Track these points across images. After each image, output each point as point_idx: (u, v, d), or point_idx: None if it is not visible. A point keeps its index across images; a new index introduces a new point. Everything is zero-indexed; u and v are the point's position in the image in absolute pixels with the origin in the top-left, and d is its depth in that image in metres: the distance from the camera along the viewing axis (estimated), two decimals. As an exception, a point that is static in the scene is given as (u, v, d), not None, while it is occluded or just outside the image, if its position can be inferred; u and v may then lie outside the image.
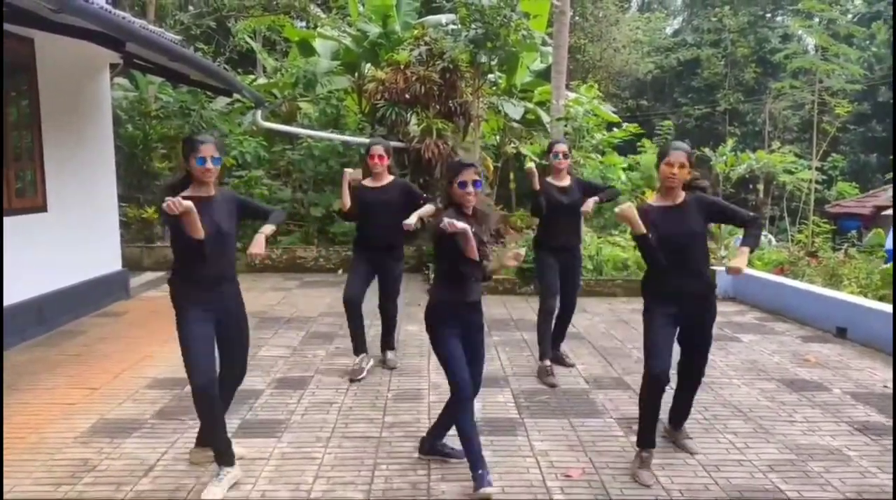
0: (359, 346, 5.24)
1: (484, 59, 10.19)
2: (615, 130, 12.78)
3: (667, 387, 3.60)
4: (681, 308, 3.61)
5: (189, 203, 3.07)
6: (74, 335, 6.29)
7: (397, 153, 10.93)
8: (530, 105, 13.53)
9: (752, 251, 3.64)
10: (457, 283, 3.44)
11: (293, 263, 10.43)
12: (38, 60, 6.39)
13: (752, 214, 3.74)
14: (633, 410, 4.46)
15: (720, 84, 29.12)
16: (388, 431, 4.09)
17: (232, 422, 4.14)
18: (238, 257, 3.63)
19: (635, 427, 4.03)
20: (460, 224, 3.15)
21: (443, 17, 12.29)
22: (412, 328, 6.68)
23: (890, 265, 9.56)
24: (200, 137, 3.38)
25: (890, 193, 18.59)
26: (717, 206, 3.69)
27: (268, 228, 3.60)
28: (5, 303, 5.68)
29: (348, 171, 5.05)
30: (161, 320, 6.68)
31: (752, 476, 3.55)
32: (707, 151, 14.88)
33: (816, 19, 15.74)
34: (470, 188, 3.38)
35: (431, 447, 3.70)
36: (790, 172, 15.65)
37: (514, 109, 12.86)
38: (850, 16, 24.54)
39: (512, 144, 12.69)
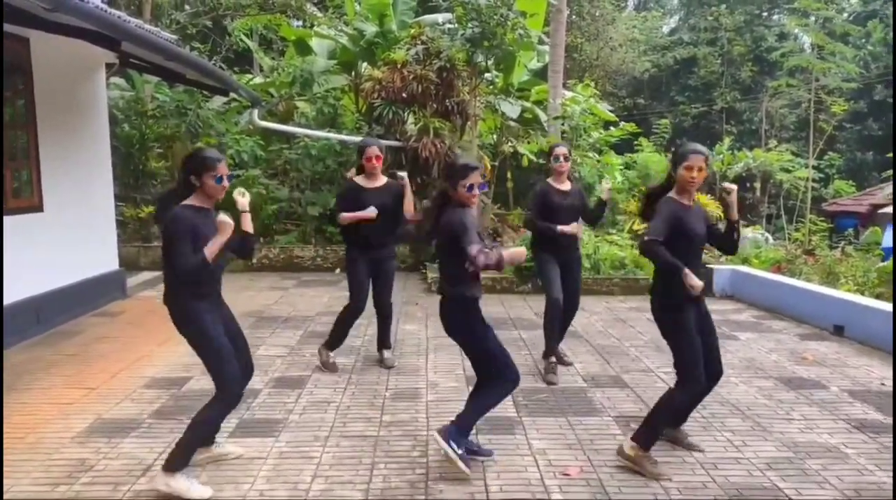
0: (337, 344, 5.35)
1: (481, 58, 10.19)
2: (612, 128, 12.79)
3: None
4: (695, 305, 3.67)
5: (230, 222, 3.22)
6: (72, 335, 6.27)
7: (394, 152, 10.99)
8: (527, 104, 13.53)
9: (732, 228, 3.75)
10: (476, 279, 3.56)
11: (290, 262, 10.42)
12: (33, 60, 6.36)
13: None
14: (631, 408, 4.49)
15: (717, 83, 29.15)
16: (387, 430, 4.09)
17: (230, 421, 4.12)
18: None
19: (633, 426, 4.04)
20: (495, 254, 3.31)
21: (439, 17, 12.27)
22: (410, 327, 6.68)
23: (887, 263, 9.58)
24: (215, 155, 3.36)
25: (886, 191, 18.62)
26: (709, 219, 3.83)
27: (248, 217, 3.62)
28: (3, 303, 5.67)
29: (371, 211, 5.02)
30: (158, 320, 6.66)
31: (750, 474, 3.55)
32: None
33: (812, 18, 15.80)
34: (475, 190, 3.48)
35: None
36: (787, 171, 15.69)
37: (512, 108, 12.86)
38: (845, 14, 24.60)
39: (509, 143, 12.69)
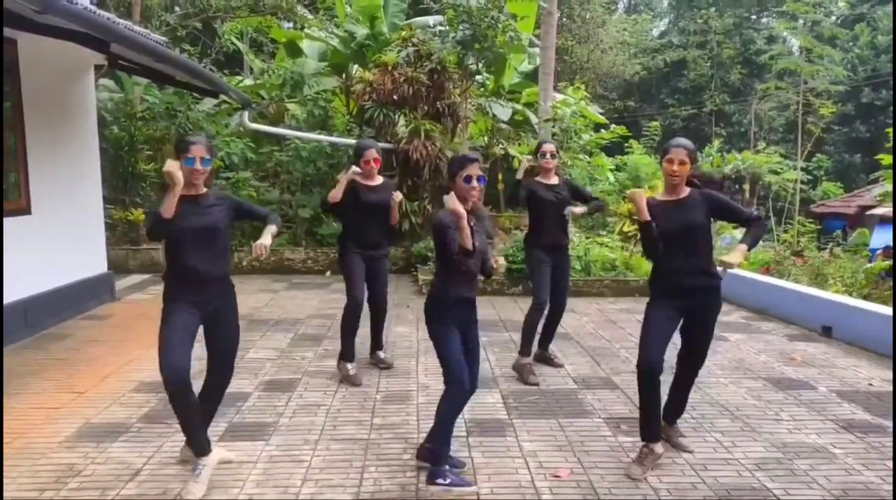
0: (351, 352, 5.18)
1: (472, 60, 10.21)
2: (603, 131, 12.83)
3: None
4: (683, 303, 3.66)
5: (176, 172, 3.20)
6: (60, 338, 6.23)
7: (385, 154, 10.96)
8: (518, 106, 13.56)
9: (749, 249, 3.64)
10: (456, 276, 3.44)
11: (281, 264, 10.39)
12: (21, 61, 6.32)
13: (755, 213, 3.78)
14: (622, 409, 4.50)
15: (706, 85, 29.34)
16: (377, 433, 4.08)
17: (219, 425, 4.11)
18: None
19: (624, 427, 4.06)
20: (456, 204, 3.16)
21: (430, 19, 12.28)
22: (401, 330, 6.67)
23: (874, 264, 9.65)
24: (191, 138, 3.41)
25: (874, 192, 18.76)
26: (720, 202, 3.70)
27: (273, 228, 3.67)
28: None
29: (356, 170, 5.02)
30: (147, 323, 6.60)
31: (739, 475, 3.57)
32: (694, 151, 14.95)
33: (801, 21, 15.89)
34: (475, 183, 3.39)
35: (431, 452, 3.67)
36: (776, 173, 15.79)
37: (502, 111, 12.88)
38: (833, 18, 24.77)
39: (500, 146, 12.71)
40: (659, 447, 3.65)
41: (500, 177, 13.32)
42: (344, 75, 13.04)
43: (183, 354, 3.28)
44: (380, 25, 12.42)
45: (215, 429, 4.07)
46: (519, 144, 13.05)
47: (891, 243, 13.38)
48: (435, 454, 3.45)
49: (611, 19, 25.80)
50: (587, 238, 10.10)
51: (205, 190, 3.48)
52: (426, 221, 10.50)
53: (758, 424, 4.29)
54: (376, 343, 5.52)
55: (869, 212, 17.93)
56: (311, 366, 5.49)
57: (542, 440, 4.01)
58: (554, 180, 5.31)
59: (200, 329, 3.47)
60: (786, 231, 13.61)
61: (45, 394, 4.71)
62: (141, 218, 10.39)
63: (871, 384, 5.13)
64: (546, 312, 5.34)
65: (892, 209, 15.03)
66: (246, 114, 10.60)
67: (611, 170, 13.95)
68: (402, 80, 10.44)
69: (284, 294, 8.70)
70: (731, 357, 5.83)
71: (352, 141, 10.88)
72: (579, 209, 5.23)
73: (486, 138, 13.08)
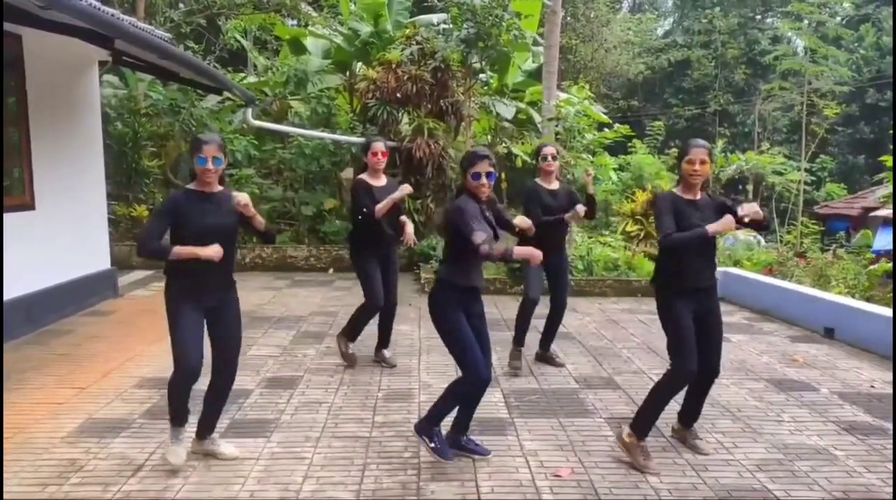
0: (355, 336, 5.37)
1: (475, 58, 10.21)
2: (606, 130, 12.82)
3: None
4: (698, 303, 3.70)
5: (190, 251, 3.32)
6: (63, 334, 6.24)
7: (388, 153, 10.96)
8: (522, 105, 13.55)
9: (761, 224, 3.68)
10: (465, 265, 3.51)
11: (283, 262, 10.40)
12: (25, 57, 6.33)
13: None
14: (623, 409, 4.50)
15: (710, 85, 29.30)
16: (379, 431, 4.09)
17: (222, 422, 4.11)
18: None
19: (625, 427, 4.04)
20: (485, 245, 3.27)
21: (434, 17, 12.28)
22: (403, 328, 6.67)
23: (878, 266, 9.64)
24: (205, 137, 3.48)
25: (878, 194, 18.72)
26: (727, 207, 3.75)
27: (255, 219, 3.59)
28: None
29: (408, 188, 5.04)
30: (150, 319, 6.64)
31: (740, 476, 3.57)
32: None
33: (805, 21, 15.85)
34: (483, 180, 3.45)
35: (455, 442, 3.71)
36: (779, 174, 15.76)
37: (506, 109, 12.88)
38: (838, 18, 24.72)
39: (503, 144, 12.71)
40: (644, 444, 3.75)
41: (503, 175, 13.31)
42: (348, 73, 13.04)
43: (198, 352, 3.42)
44: (384, 23, 12.42)
45: (217, 426, 4.08)
46: (522, 143, 13.04)
47: (891, 246, 13.37)
48: (431, 418, 3.58)
49: (615, 18, 25.77)
50: (590, 238, 10.09)
51: (219, 189, 3.51)
52: (429, 220, 10.51)
53: (759, 425, 4.28)
54: (383, 341, 5.51)
55: (872, 214, 17.90)
56: (313, 363, 5.50)
57: (542, 439, 4.01)
58: (554, 185, 5.29)
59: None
60: (789, 232, 13.59)
61: (47, 389, 4.72)
62: (144, 214, 10.41)
63: (872, 386, 5.12)
64: (537, 308, 5.35)
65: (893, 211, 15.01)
66: (249, 111, 10.60)
67: (614, 169, 13.95)
68: (405, 78, 10.44)
69: (287, 291, 8.71)
70: (732, 358, 5.82)
71: (355, 139, 10.90)
72: (581, 208, 5.13)
73: (489, 137, 13.08)
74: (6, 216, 5.99)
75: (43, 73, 6.59)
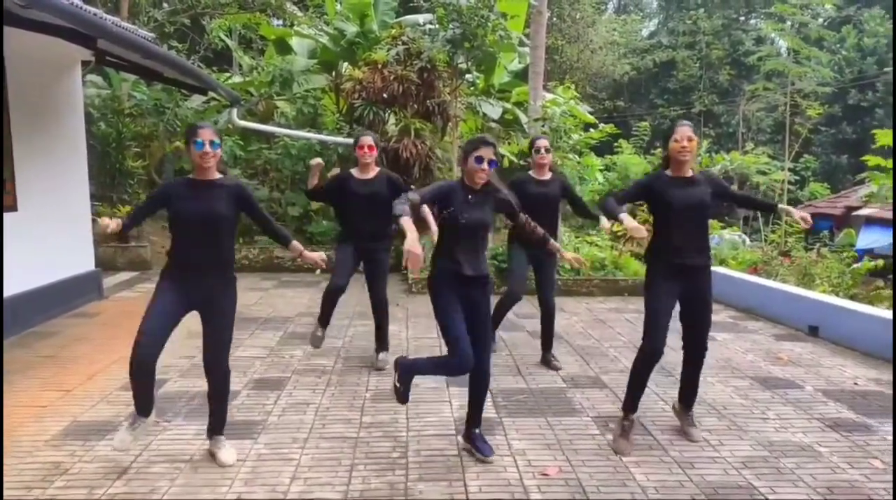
0: (325, 322, 5.31)
1: (462, 59, 10.21)
2: (592, 130, 12.88)
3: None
4: (682, 282, 3.79)
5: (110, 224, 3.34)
6: (47, 336, 6.18)
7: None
8: (508, 105, 13.58)
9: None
10: (450, 251, 3.55)
11: (270, 262, 10.36)
12: (6, 57, 6.25)
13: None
14: (610, 408, 4.52)
15: (695, 86, 29.51)
16: (366, 431, 4.08)
17: (205, 422, 4.10)
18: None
19: (612, 426, 4.08)
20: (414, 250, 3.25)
21: (420, 17, 12.29)
22: (390, 328, 6.62)
23: (860, 265, 9.75)
24: (204, 124, 3.50)
25: (860, 193, 18.95)
26: (723, 185, 3.93)
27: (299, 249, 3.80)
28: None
29: (316, 161, 5.12)
30: (135, 321, 6.53)
31: (725, 473, 3.60)
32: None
33: (789, 23, 16.00)
34: (484, 165, 3.48)
35: (466, 434, 3.77)
36: (763, 173, 15.89)
37: (492, 110, 12.90)
38: (820, 20, 24.97)
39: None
40: (634, 417, 3.94)
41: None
42: (334, 73, 13.01)
43: (154, 332, 3.37)
44: (370, 23, 12.40)
45: (202, 428, 4.05)
46: (509, 143, 13.07)
47: (875, 246, 13.53)
48: (413, 364, 3.67)
49: (600, 19, 25.90)
50: (576, 237, 10.13)
51: (218, 176, 3.50)
52: (416, 220, 10.50)
53: (744, 423, 4.32)
54: (380, 344, 5.46)
55: (855, 213, 18.10)
56: (301, 364, 5.48)
57: (530, 438, 4.02)
58: (546, 176, 5.33)
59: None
60: (773, 231, 13.71)
61: (31, 392, 4.67)
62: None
63: (856, 383, 5.18)
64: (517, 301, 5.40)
65: (877, 210, 15.18)
66: (235, 111, 10.55)
67: (600, 170, 14.00)
68: (391, 78, 10.44)
69: (274, 292, 8.67)
70: (718, 356, 5.86)
71: (341, 139, 10.87)
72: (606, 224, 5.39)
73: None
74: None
75: (24, 73, 6.52)
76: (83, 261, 7.77)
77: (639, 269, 8.63)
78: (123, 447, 3.49)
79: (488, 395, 4.73)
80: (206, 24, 13.62)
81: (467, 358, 3.43)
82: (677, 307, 3.90)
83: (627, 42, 28.44)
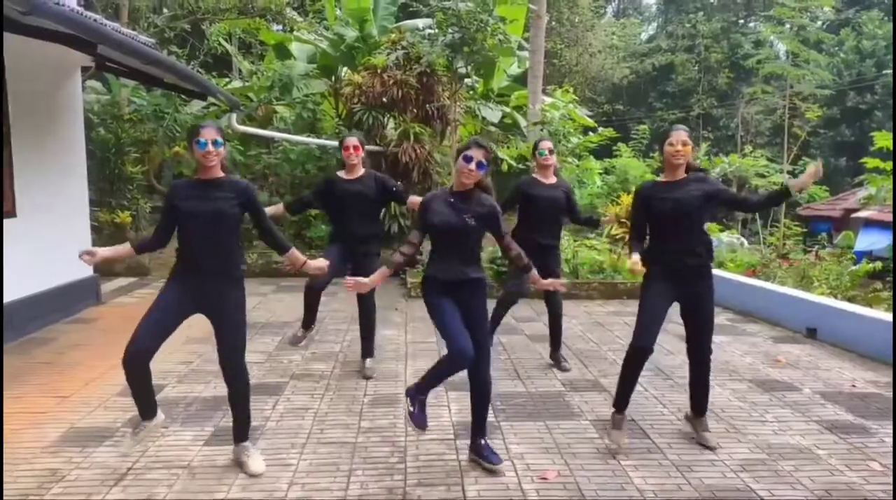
0: (311, 321, 5.34)
1: (461, 63, 10.23)
2: (591, 134, 12.89)
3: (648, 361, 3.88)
4: (678, 287, 3.82)
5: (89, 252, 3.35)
6: (45, 342, 6.18)
7: (374, 157, 10.97)
8: (507, 109, 13.60)
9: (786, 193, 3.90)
10: (439, 259, 3.56)
11: (268, 267, 10.34)
12: (6, 63, 6.27)
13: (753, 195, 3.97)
14: (608, 412, 4.49)
15: (694, 89, 29.57)
16: (364, 436, 4.08)
17: (204, 429, 4.11)
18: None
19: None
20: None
21: (420, 22, 12.31)
22: (388, 333, 6.66)
23: (859, 267, 9.75)
24: (207, 123, 3.50)
25: (859, 195, 18.95)
26: (717, 186, 3.90)
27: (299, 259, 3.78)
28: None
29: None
30: (133, 327, 6.58)
31: (724, 476, 3.60)
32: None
33: (787, 26, 16.02)
34: (472, 165, 3.47)
35: (472, 445, 3.74)
36: (762, 176, 15.91)
37: (492, 113, 12.92)
38: (819, 23, 25.02)
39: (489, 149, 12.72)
40: (624, 413, 3.95)
41: (488, 180, 13.33)
42: (333, 78, 13.03)
43: (150, 339, 3.37)
44: (369, 28, 12.43)
45: (200, 433, 4.07)
46: (508, 147, 13.08)
47: (874, 248, 13.53)
48: (419, 385, 3.58)
49: (599, 23, 25.98)
50: (575, 241, 10.13)
51: (221, 176, 3.49)
52: (416, 225, 10.51)
53: (742, 425, 4.32)
54: (365, 350, 5.40)
55: (854, 215, 18.13)
56: (299, 369, 5.47)
57: (529, 442, 4.02)
58: (551, 180, 5.32)
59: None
60: (772, 234, 13.71)
61: (28, 398, 4.67)
62: (127, 221, 10.34)
63: (854, 386, 5.18)
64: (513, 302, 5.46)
65: (876, 213, 15.18)
66: (234, 116, 10.56)
67: (599, 173, 14.02)
68: (391, 82, 10.45)
69: (272, 297, 8.67)
70: (716, 359, 5.84)
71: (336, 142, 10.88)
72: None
73: (475, 141, 13.10)
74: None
75: (24, 79, 6.54)
76: (81, 267, 7.68)
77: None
78: (129, 452, 3.54)
79: (486, 399, 4.74)
80: (205, 29, 13.65)
81: (464, 350, 3.38)
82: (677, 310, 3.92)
83: (626, 46, 28.52)
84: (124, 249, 3.53)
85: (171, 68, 7.21)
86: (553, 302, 5.46)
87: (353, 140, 5.12)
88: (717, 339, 6.53)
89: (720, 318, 7.61)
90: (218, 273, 3.47)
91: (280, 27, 15.39)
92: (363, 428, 4.20)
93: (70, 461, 3.67)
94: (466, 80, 11.75)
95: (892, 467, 3.73)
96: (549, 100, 11.75)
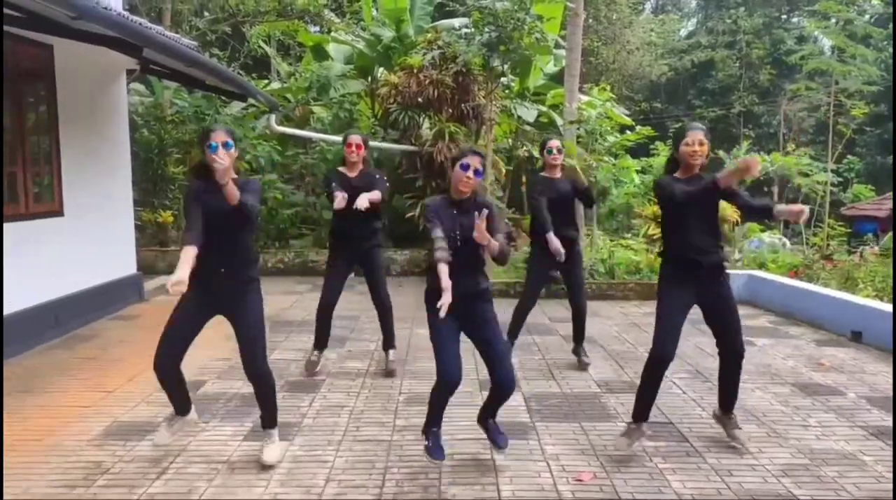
0: (322, 343, 5.37)
1: (497, 62, 10.19)
2: (628, 132, 12.74)
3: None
4: (699, 288, 3.74)
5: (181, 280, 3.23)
6: (90, 338, 6.36)
7: (410, 157, 11.02)
8: (543, 108, 13.52)
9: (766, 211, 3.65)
10: (434, 267, 3.47)
11: (305, 266, 10.48)
12: (56, 67, 6.47)
13: (764, 202, 3.83)
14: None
15: (735, 86, 28.99)
16: (400, 434, 4.10)
17: (244, 424, 4.18)
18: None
19: (648, 431, 4.02)
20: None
21: (456, 21, 12.32)
22: (423, 331, 6.66)
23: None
24: (216, 127, 3.55)
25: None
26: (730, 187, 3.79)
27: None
28: (21, 307, 5.77)
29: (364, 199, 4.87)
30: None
31: (764, 481, 3.53)
32: (721, 153, 14.77)
33: (833, 20, 15.59)
34: (470, 173, 3.44)
35: (482, 422, 3.79)
36: (805, 175, 15.51)
37: (527, 112, 12.85)
38: (867, 16, 24.28)
39: (524, 148, 12.68)
40: (644, 427, 3.85)
41: (523, 179, 13.29)
42: (369, 78, 13.12)
43: (175, 345, 3.53)
44: (405, 28, 12.48)
45: (239, 428, 4.14)
46: (543, 146, 12.99)
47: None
48: (426, 419, 3.63)
49: (637, 20, 25.64)
50: (612, 241, 10.03)
51: (234, 176, 3.52)
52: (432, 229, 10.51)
53: (784, 430, 4.23)
54: (387, 341, 5.44)
55: (902, 214, 17.52)
56: (335, 367, 5.53)
57: (564, 443, 4.00)
58: (557, 176, 5.34)
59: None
60: (815, 234, 13.37)
61: (74, 393, 4.81)
62: (169, 220, 10.57)
63: (902, 391, 5.03)
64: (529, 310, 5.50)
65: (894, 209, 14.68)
66: (273, 117, 10.70)
67: (636, 171, 13.85)
68: (427, 82, 10.48)
69: (308, 296, 8.76)
70: (757, 362, 5.74)
71: (377, 144, 10.94)
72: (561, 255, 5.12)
73: (510, 140, 13.07)
74: (35, 223, 6.13)
75: (73, 82, 6.73)
76: (125, 265, 7.98)
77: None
78: (163, 443, 3.63)
79: (521, 399, 4.73)
80: (245, 31, 13.87)
81: (449, 374, 3.42)
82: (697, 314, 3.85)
83: (665, 42, 28.09)
84: (190, 253, 3.33)
85: (212, 70, 7.35)
86: (578, 304, 5.45)
87: (356, 138, 5.16)
88: (758, 341, 6.44)
89: (761, 320, 7.48)
90: (233, 275, 3.52)
91: (318, 28, 15.56)
92: (398, 426, 4.23)
93: (114, 455, 3.77)
94: (502, 79, 11.71)
95: (892, 466, 3.63)
96: (585, 98, 11.65)
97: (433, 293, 3.45)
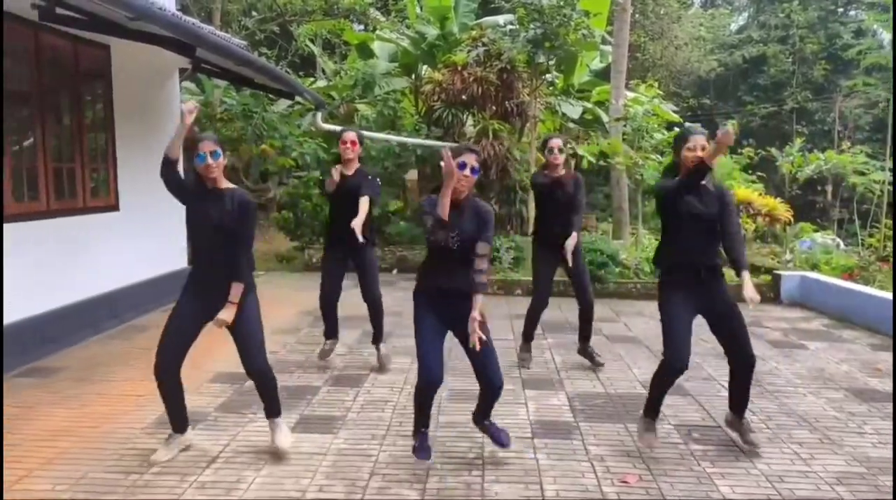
0: (332, 332, 5.46)
1: (542, 59, 10.12)
2: (676, 129, 12.51)
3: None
4: (699, 294, 3.71)
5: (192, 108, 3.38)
6: (144, 329, 6.54)
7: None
8: (588, 105, 13.39)
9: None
10: (434, 264, 3.51)
11: (348, 263, 10.57)
12: (113, 66, 6.68)
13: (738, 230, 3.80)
14: (693, 416, 4.39)
15: (787, 82, 28.15)
16: (443, 431, 4.12)
17: (291, 416, 4.25)
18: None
19: (695, 435, 3.98)
20: (450, 161, 3.20)
21: (500, 18, 12.28)
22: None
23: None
24: (203, 136, 3.55)
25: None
26: (727, 199, 3.77)
27: (235, 297, 3.51)
28: (80, 298, 5.99)
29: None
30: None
31: (817, 488, 3.43)
32: (773, 150, 14.38)
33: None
34: (466, 171, 3.42)
35: (479, 423, 3.80)
36: (861, 173, 14.99)
37: (572, 109, 12.75)
38: (929, 9, 23.31)
39: (568, 145, 12.56)
40: (655, 421, 3.89)
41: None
42: (413, 76, 13.18)
43: (173, 350, 3.59)
44: (450, 26, 12.50)
45: (286, 421, 4.20)
46: (588, 144, 12.87)
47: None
48: (415, 424, 3.64)
49: (686, 14, 25.08)
50: (656, 240, 9.87)
51: (226, 186, 3.55)
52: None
53: (839, 437, 4.11)
54: (376, 336, 5.46)
55: (965, 215, 16.77)
56: (379, 363, 5.57)
57: (609, 444, 3.96)
58: (558, 174, 5.27)
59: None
60: (871, 235, 12.92)
61: (132, 382, 4.96)
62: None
63: (965, 399, 4.83)
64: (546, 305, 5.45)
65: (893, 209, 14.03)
66: (318, 114, 10.84)
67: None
68: (471, 80, 10.48)
69: (353, 292, 8.82)
70: (810, 366, 5.59)
71: (420, 141, 10.98)
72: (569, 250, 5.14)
73: (554, 138, 12.98)
74: (93, 217, 6.35)
75: (128, 81, 6.94)
76: (177, 258, 8.18)
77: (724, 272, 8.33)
78: (163, 460, 3.60)
79: (564, 398, 4.71)
80: (293, 30, 14.07)
81: (428, 373, 3.42)
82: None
83: (715, 37, 27.43)
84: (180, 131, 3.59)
85: (262, 69, 7.48)
86: (585, 302, 5.37)
87: (351, 135, 5.16)
88: (811, 345, 6.27)
89: (814, 323, 7.27)
90: (220, 285, 3.51)
91: (363, 27, 15.70)
92: (441, 423, 4.24)
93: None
94: (547, 75, 11.64)
95: (892, 466, 3.49)
96: (632, 95, 11.48)
97: (421, 293, 3.53)
